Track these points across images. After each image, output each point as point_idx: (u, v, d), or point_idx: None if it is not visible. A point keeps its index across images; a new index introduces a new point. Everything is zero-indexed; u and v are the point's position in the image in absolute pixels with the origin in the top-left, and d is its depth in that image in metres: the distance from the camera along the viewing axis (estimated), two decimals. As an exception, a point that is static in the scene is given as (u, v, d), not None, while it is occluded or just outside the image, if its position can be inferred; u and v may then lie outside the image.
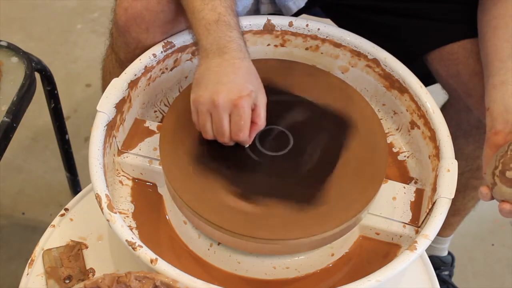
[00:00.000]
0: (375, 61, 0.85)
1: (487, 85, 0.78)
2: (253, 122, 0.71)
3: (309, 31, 0.86)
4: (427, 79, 0.89)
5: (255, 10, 0.91)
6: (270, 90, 0.79)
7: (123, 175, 0.79)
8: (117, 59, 0.93)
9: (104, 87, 1.04)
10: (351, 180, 0.72)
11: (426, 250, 0.71)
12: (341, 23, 0.97)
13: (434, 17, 0.91)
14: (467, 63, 0.87)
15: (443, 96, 0.98)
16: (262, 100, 0.72)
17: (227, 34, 0.72)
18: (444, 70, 0.91)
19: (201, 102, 0.70)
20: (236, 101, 0.68)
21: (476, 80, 0.86)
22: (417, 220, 0.75)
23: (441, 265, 1.26)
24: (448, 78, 0.91)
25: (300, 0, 0.88)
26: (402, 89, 0.83)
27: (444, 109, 0.98)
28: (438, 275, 1.24)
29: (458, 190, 0.90)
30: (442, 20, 0.90)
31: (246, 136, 0.71)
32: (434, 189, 0.73)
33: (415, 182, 0.81)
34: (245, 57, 0.72)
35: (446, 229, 1.20)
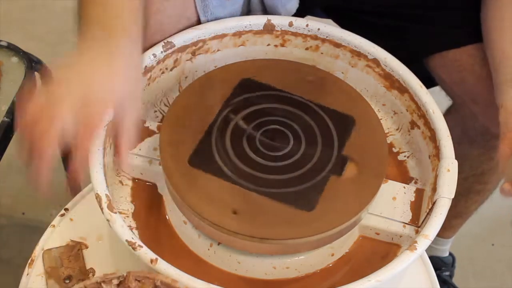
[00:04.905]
0: (375, 61, 0.85)
1: (498, 83, 0.77)
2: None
3: (309, 31, 0.86)
4: (428, 82, 0.89)
5: None
6: (269, 90, 0.79)
7: (123, 175, 0.79)
8: None
9: None
10: (351, 180, 0.72)
11: (427, 251, 0.71)
12: (342, 24, 0.97)
13: (438, 22, 0.90)
14: (472, 69, 0.87)
15: (447, 100, 0.98)
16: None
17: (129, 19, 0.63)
18: (448, 77, 0.90)
19: (65, 90, 0.57)
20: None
21: (481, 86, 0.86)
22: (417, 220, 0.75)
23: (442, 265, 1.26)
24: (452, 85, 0.90)
25: (291, 7, 0.87)
26: (402, 89, 0.83)
27: (449, 114, 0.97)
28: (439, 276, 1.24)
29: (461, 194, 0.90)
30: (445, 25, 0.90)
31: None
32: (434, 189, 0.73)
33: (415, 182, 0.81)
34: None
35: (447, 231, 1.20)
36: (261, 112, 0.77)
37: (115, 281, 0.63)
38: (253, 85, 0.79)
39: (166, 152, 0.73)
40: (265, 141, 0.74)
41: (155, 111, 0.86)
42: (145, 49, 0.84)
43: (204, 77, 0.81)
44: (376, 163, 0.74)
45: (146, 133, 0.80)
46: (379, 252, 0.76)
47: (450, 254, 1.28)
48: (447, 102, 0.99)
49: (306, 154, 0.74)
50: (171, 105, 0.78)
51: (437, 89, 0.94)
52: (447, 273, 1.26)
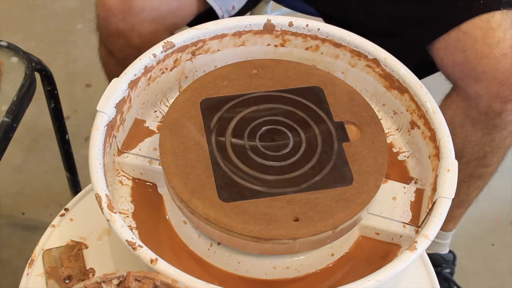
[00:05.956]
0: (375, 61, 0.85)
1: None
2: None
3: (309, 31, 0.86)
4: (423, 70, 0.90)
5: None
6: (232, 99, 0.78)
7: (123, 175, 0.79)
8: (107, 50, 0.94)
9: (106, 75, 1.06)
10: (360, 140, 0.74)
11: (428, 247, 0.71)
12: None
13: (430, 7, 0.92)
14: (474, 48, 0.88)
15: (443, 95, 0.99)
16: None
17: None
18: (451, 59, 0.91)
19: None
20: None
21: (483, 64, 0.87)
22: (417, 220, 0.75)
23: (443, 262, 1.26)
24: (454, 67, 0.91)
25: None
26: (402, 89, 0.83)
27: (450, 98, 0.98)
28: (440, 273, 1.25)
29: (463, 180, 0.89)
30: (438, 7, 0.91)
31: None
32: (434, 189, 0.73)
33: (415, 182, 0.81)
34: None
35: (449, 222, 1.20)
36: (243, 123, 0.76)
37: (115, 281, 0.63)
38: (215, 102, 0.78)
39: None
40: (267, 145, 0.74)
41: (155, 111, 0.86)
42: (134, 27, 0.83)
43: (174, 104, 0.78)
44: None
45: (146, 133, 0.80)
46: (379, 252, 0.76)
47: (451, 251, 1.28)
48: (441, 97, 0.99)
49: (309, 137, 0.75)
50: (171, 105, 0.78)
51: (436, 87, 0.94)
52: (448, 270, 1.26)
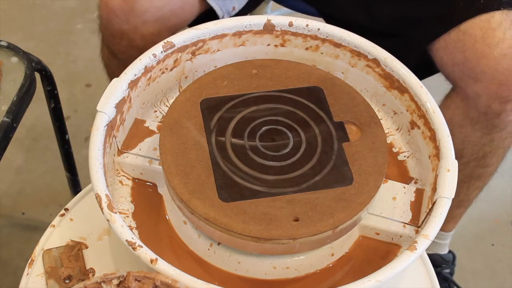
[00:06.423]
0: (375, 61, 0.85)
1: None
2: None
3: (309, 31, 0.86)
4: (424, 71, 0.90)
5: None
6: (232, 99, 0.78)
7: (123, 175, 0.79)
8: (109, 51, 0.94)
9: (108, 76, 1.06)
10: (361, 140, 0.74)
11: (428, 248, 0.71)
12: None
13: (429, 8, 0.92)
14: (474, 48, 0.88)
15: (442, 95, 0.99)
16: None
17: None
18: (450, 58, 0.91)
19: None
20: None
21: (483, 64, 0.87)
22: (417, 220, 0.75)
23: (442, 263, 1.27)
24: (454, 67, 0.92)
25: None
26: (402, 89, 0.83)
27: (449, 98, 0.98)
28: (439, 273, 1.25)
29: (463, 181, 0.89)
30: (437, 8, 0.91)
31: None
32: (434, 189, 0.73)
33: (415, 182, 0.81)
34: None
35: (449, 222, 1.20)
36: (243, 123, 0.76)
37: (115, 281, 0.63)
38: (215, 102, 0.78)
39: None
40: (267, 145, 0.74)
41: (155, 111, 0.86)
42: (137, 28, 0.83)
43: (174, 104, 0.78)
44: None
45: (146, 133, 0.80)
46: (379, 252, 0.76)
47: (450, 251, 1.28)
48: (441, 96, 0.99)
49: (309, 137, 0.75)
50: (171, 105, 0.78)
51: (436, 87, 0.94)
52: (448, 270, 1.27)
